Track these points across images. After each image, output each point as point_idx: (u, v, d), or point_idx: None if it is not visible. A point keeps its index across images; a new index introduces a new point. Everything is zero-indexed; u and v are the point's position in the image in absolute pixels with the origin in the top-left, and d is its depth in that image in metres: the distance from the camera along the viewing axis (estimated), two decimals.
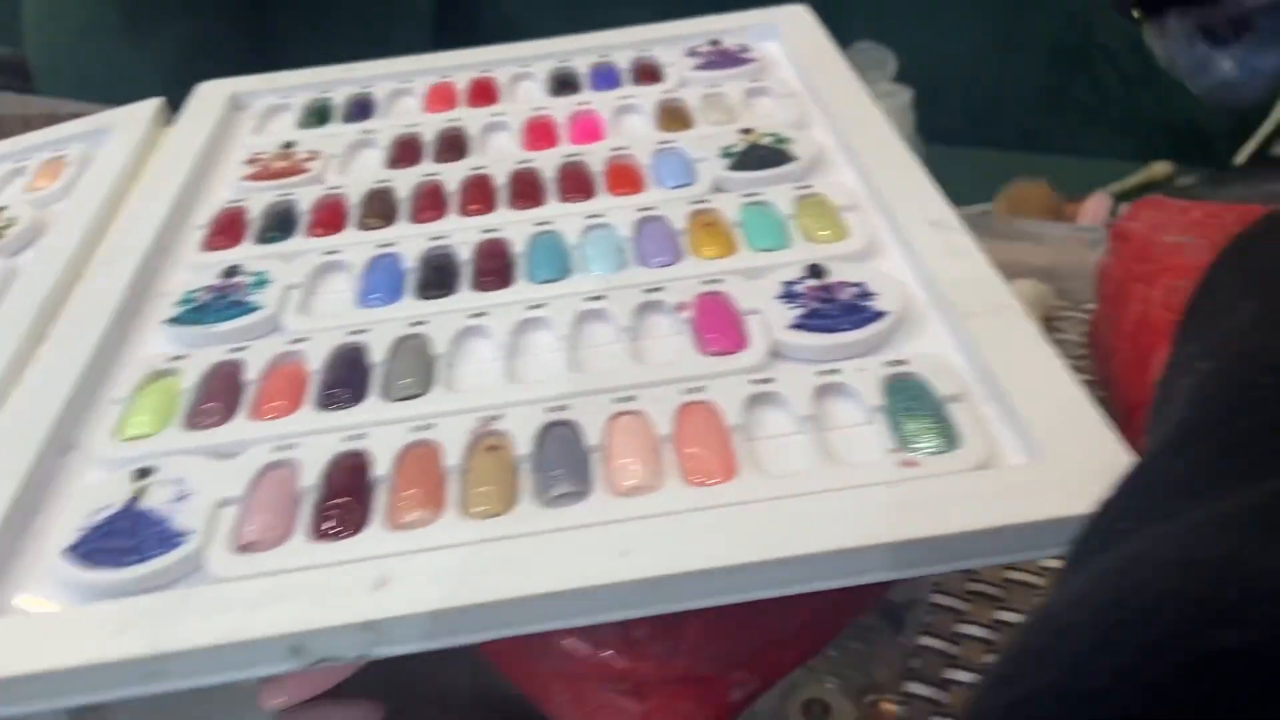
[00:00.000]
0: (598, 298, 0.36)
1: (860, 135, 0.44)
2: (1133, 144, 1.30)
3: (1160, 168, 1.29)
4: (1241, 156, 1.09)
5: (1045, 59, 1.31)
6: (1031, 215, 1.22)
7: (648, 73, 0.52)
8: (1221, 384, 0.21)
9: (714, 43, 0.54)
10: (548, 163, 0.45)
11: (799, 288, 0.36)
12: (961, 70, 1.37)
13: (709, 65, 0.51)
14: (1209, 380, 0.21)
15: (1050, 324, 0.48)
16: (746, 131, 0.45)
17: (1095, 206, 1.23)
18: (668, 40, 0.54)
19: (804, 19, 0.55)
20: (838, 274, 0.36)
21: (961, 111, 1.40)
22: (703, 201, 0.41)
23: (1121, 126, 1.32)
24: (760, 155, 0.44)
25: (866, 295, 0.35)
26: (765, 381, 0.32)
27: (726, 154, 0.44)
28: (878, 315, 0.34)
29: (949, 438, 0.30)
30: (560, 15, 1.58)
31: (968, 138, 1.40)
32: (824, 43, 0.52)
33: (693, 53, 0.53)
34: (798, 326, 0.34)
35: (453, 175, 0.45)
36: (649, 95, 0.49)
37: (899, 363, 0.32)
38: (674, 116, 0.48)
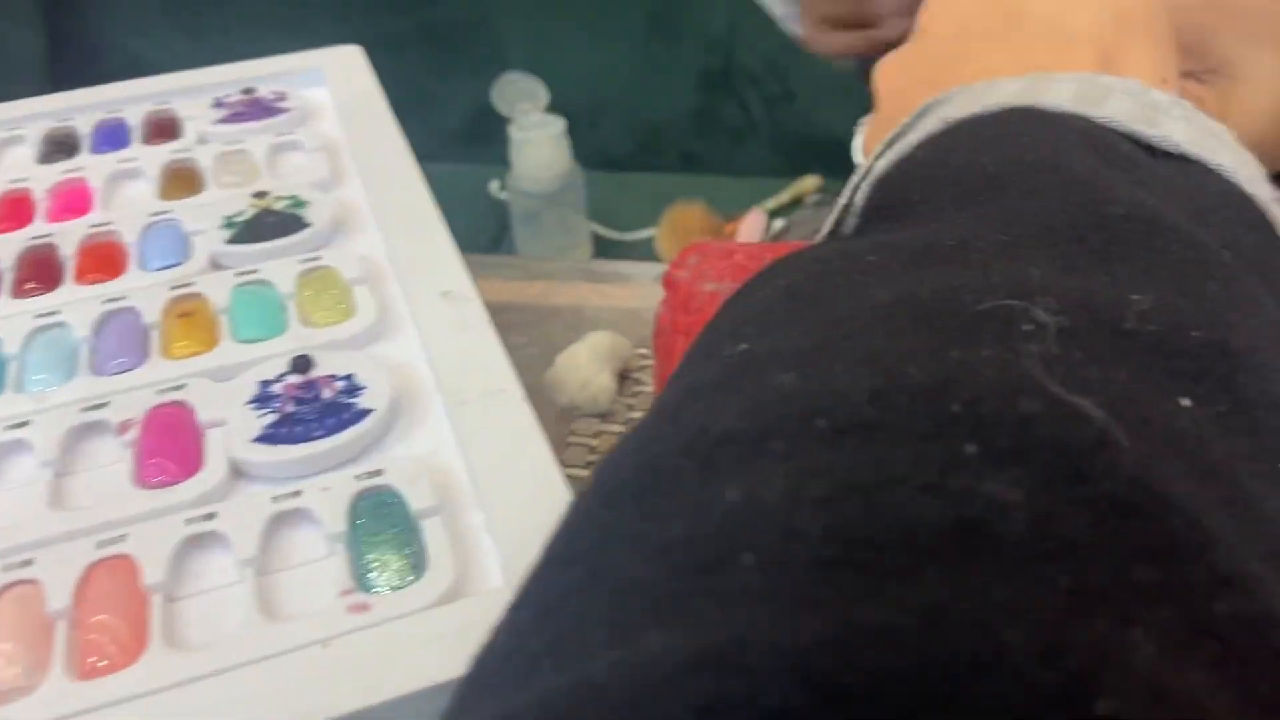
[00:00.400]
0: (21, 424, 0.29)
1: (390, 195, 0.39)
2: (782, 160, 1.35)
3: (809, 181, 1.34)
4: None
5: (695, 83, 1.33)
6: (693, 236, 1.23)
7: (163, 129, 0.45)
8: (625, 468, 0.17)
9: (247, 91, 0.47)
10: (7, 250, 0.37)
11: (277, 387, 0.30)
12: (618, 97, 1.38)
13: (234, 118, 0.45)
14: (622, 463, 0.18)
15: (629, 376, 0.46)
16: (260, 195, 0.39)
17: (752, 223, 1.26)
18: (195, 90, 0.47)
19: (355, 62, 0.50)
20: (327, 365, 0.31)
21: (622, 137, 1.40)
22: (187, 285, 0.35)
23: (771, 144, 1.37)
24: (270, 223, 0.38)
25: (354, 390, 0.30)
26: (208, 518, 0.26)
27: (229, 224, 0.38)
28: (361, 415, 0.29)
29: (415, 565, 0.25)
30: (189, 53, 1.45)
31: (630, 163, 1.41)
32: (372, 89, 0.47)
33: (219, 104, 0.46)
34: (264, 439, 0.28)
35: None
36: (156, 156, 0.42)
37: (373, 474, 0.27)
38: (181, 181, 0.41)
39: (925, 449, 0.14)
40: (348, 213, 0.39)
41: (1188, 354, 0.17)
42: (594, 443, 0.43)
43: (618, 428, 0.44)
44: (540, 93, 1.18)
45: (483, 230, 1.33)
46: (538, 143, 1.15)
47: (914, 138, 0.28)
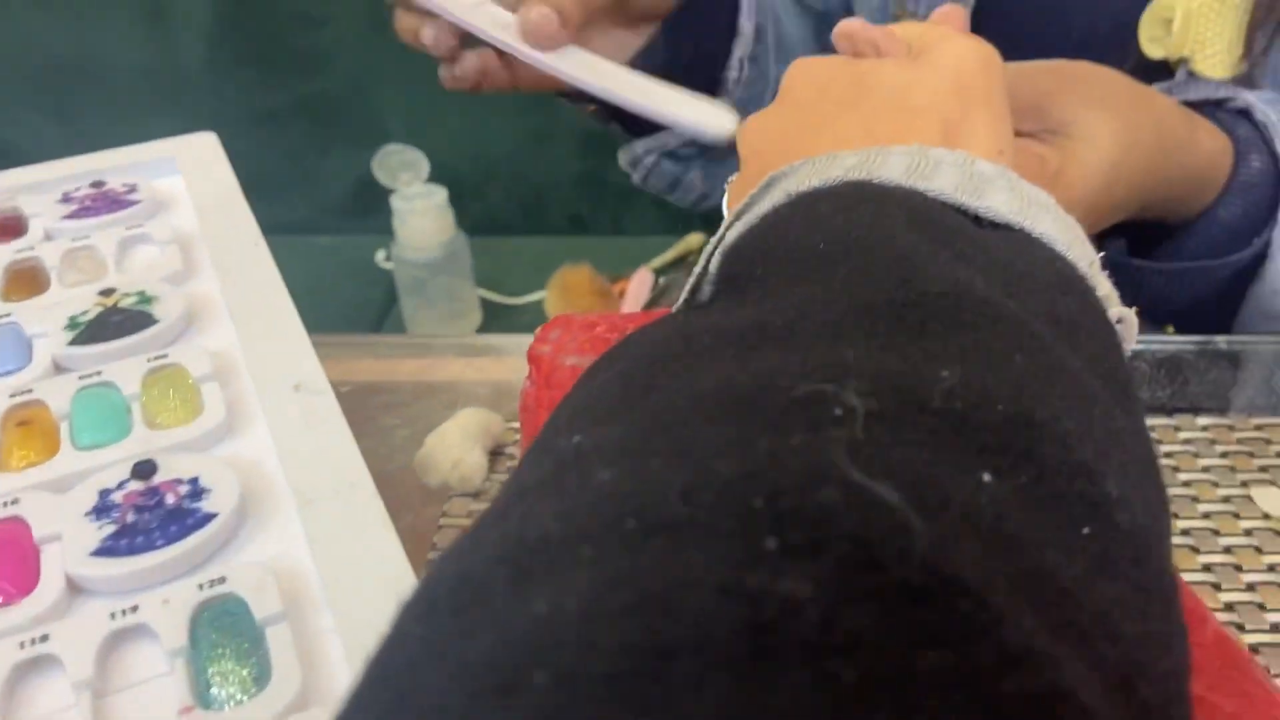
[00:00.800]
0: None
1: (244, 286, 0.39)
2: (667, 220, 1.38)
3: (695, 239, 1.37)
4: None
5: (578, 147, 1.35)
6: (582, 299, 1.24)
7: (7, 227, 0.43)
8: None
9: (96, 184, 0.46)
10: None
11: (117, 496, 0.29)
12: (503, 164, 1.38)
13: (82, 212, 0.44)
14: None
15: (501, 452, 0.46)
16: (106, 293, 0.38)
17: (639, 283, 1.28)
18: (43, 185, 0.46)
19: (209, 150, 0.49)
20: (171, 469, 0.30)
21: (507, 203, 1.41)
22: (26, 392, 0.34)
23: (655, 204, 1.39)
24: (115, 322, 0.37)
25: (198, 493, 0.29)
26: (42, 640, 0.25)
27: (74, 324, 0.37)
28: (205, 520, 0.28)
29: (259, 676, 0.24)
30: (59, 138, 1.41)
31: (517, 228, 1.42)
32: (226, 177, 0.47)
33: (67, 198, 0.45)
34: (102, 551, 0.27)
35: None
36: None
37: (216, 582, 0.27)
38: (24, 281, 0.40)
39: (726, 547, 0.14)
40: (200, 306, 0.39)
41: (992, 428, 0.18)
42: (467, 523, 0.43)
43: None
44: (421, 163, 1.18)
45: (370, 301, 1.32)
46: (420, 212, 1.15)
47: (761, 209, 0.29)
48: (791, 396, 0.18)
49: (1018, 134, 0.43)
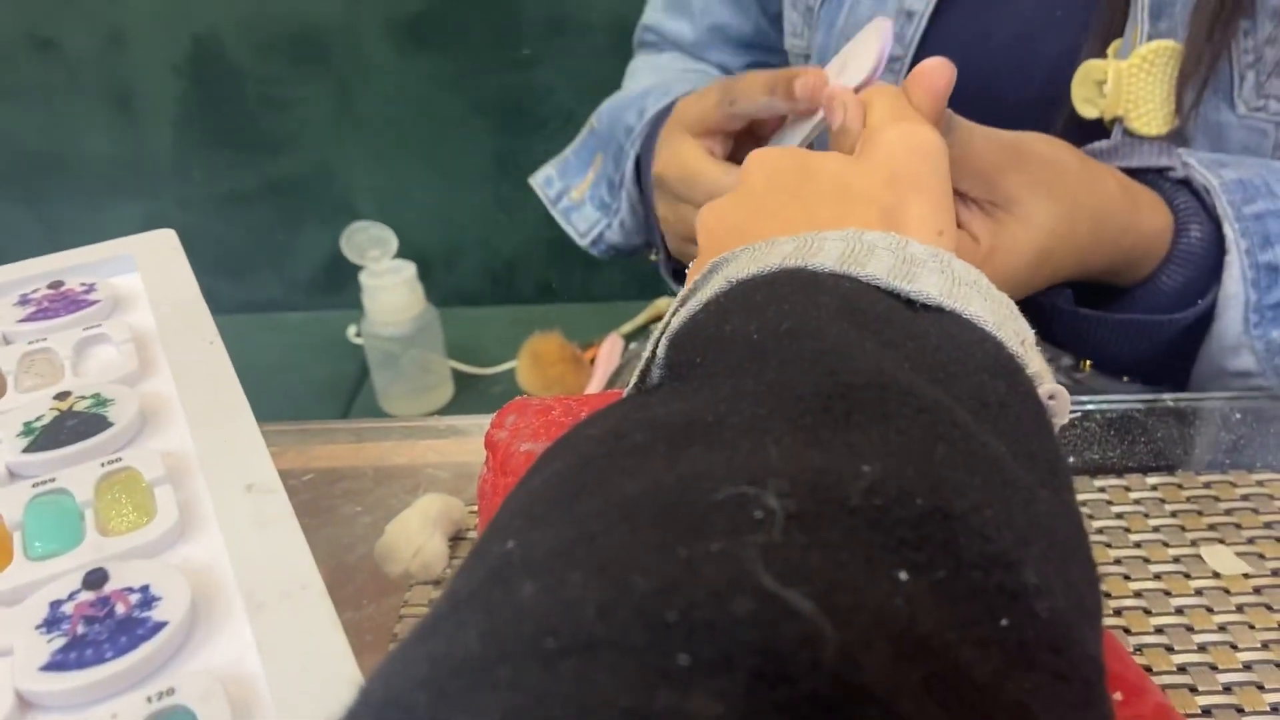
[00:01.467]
0: None
1: (199, 385, 0.39)
2: (635, 285, 1.39)
3: (663, 303, 1.38)
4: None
5: (545, 217, 1.37)
6: (553, 367, 1.25)
7: None
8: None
9: (55, 285, 0.47)
10: None
11: (68, 607, 0.29)
12: (471, 236, 1.40)
13: (40, 314, 0.44)
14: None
15: (463, 537, 0.46)
16: (62, 397, 0.39)
17: (609, 349, 1.29)
18: (1, 288, 0.47)
19: (167, 247, 0.50)
20: (122, 577, 0.30)
21: (477, 274, 1.42)
22: None
23: (623, 270, 1.41)
24: (70, 427, 0.37)
25: (149, 601, 0.29)
26: None
27: (29, 430, 0.37)
28: (155, 629, 0.28)
29: None
30: (27, 224, 1.42)
31: (487, 298, 1.43)
32: (184, 274, 0.47)
33: (25, 300, 0.46)
34: (52, 665, 0.27)
35: None
36: None
37: (165, 694, 0.27)
38: None
39: (638, 666, 0.14)
40: (155, 406, 0.39)
41: (910, 523, 0.18)
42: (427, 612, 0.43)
43: None
44: (389, 239, 1.20)
45: (343, 376, 1.32)
46: (389, 288, 1.16)
47: (703, 296, 0.30)
48: (712, 500, 0.18)
49: (967, 197, 0.44)
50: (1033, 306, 0.48)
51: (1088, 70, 0.55)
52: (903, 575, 0.17)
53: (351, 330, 1.36)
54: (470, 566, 0.20)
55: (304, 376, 1.26)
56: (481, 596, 0.18)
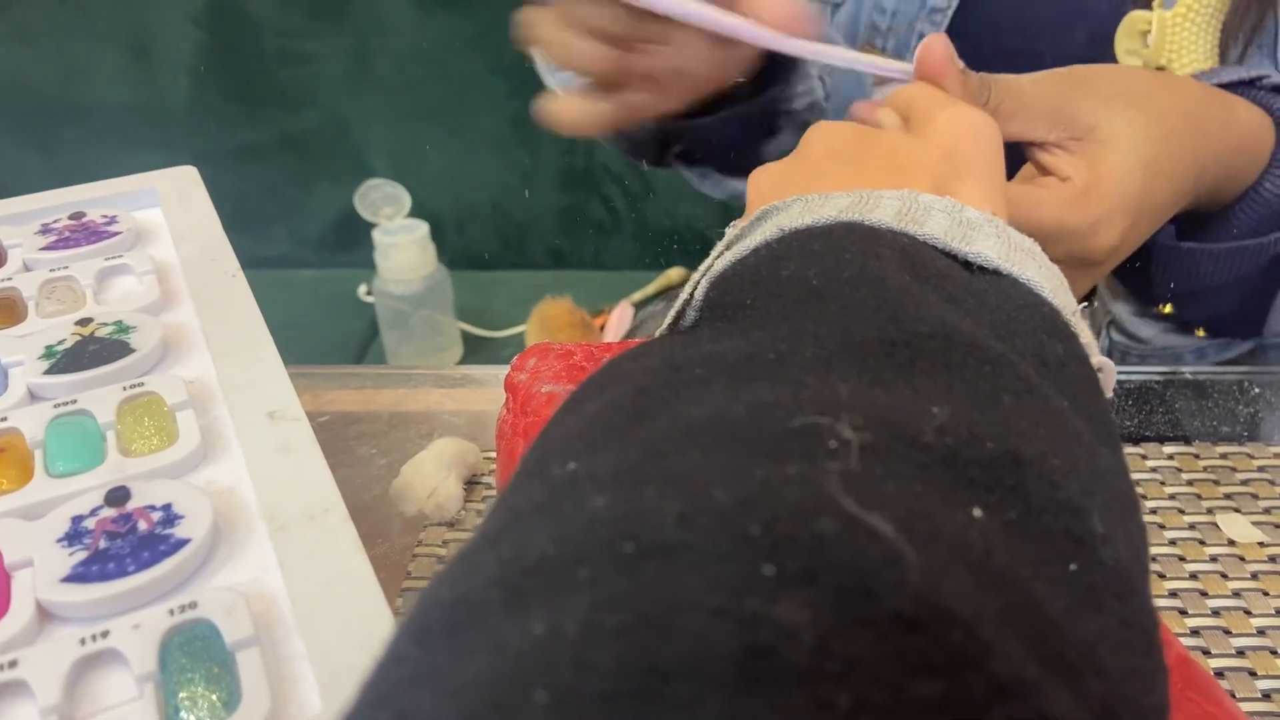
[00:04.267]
0: None
1: (222, 316, 0.39)
2: (647, 254, 1.39)
3: (675, 273, 1.38)
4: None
5: (558, 183, 1.37)
6: (562, 332, 1.25)
7: None
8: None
9: (76, 216, 0.47)
10: None
11: (89, 522, 0.29)
12: (485, 199, 1.40)
13: (61, 244, 0.44)
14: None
15: (478, 481, 0.46)
16: (84, 323, 0.39)
17: (619, 316, 1.28)
18: (21, 216, 0.47)
19: (189, 182, 0.49)
20: (144, 496, 0.30)
21: (489, 238, 1.42)
22: (1, 420, 0.34)
23: (635, 238, 1.40)
24: (92, 352, 0.37)
25: (171, 520, 0.29)
26: (11, 666, 0.25)
27: (50, 354, 0.37)
28: (177, 546, 0.28)
29: (229, 700, 0.24)
30: (40, 170, 1.42)
31: (498, 262, 1.43)
32: (205, 209, 0.47)
33: (46, 229, 0.45)
34: (73, 578, 0.28)
35: None
36: None
37: (187, 607, 0.27)
38: (2, 311, 0.40)
39: (723, 571, 0.14)
40: (177, 335, 0.39)
41: (981, 464, 0.18)
42: (442, 551, 0.43)
43: (466, 535, 0.44)
44: (403, 197, 1.19)
45: (352, 334, 1.32)
46: (402, 246, 1.16)
47: (751, 241, 0.30)
48: (786, 428, 0.18)
49: (1039, 145, 0.43)
50: None
51: (1132, 21, 0.54)
52: (976, 512, 0.17)
53: (362, 289, 1.36)
54: (524, 486, 0.20)
55: (314, 334, 1.26)
56: (548, 508, 0.17)
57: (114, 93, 1.34)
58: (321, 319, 1.30)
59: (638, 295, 1.30)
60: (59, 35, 1.32)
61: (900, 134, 0.35)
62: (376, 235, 1.17)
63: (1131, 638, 0.18)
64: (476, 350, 1.27)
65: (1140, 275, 0.52)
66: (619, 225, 1.38)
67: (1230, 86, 0.48)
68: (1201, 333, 0.57)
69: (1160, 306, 0.58)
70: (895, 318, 0.22)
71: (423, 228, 1.18)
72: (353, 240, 1.37)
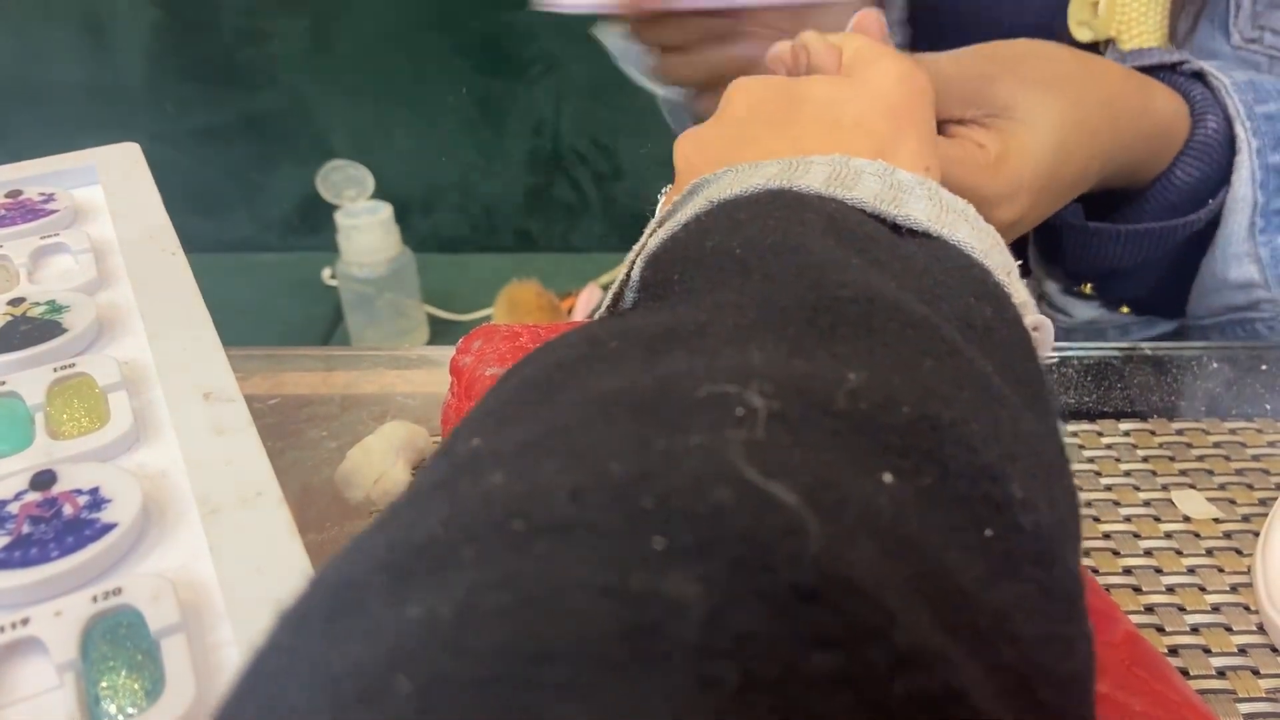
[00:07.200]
0: None
1: (159, 296, 0.38)
2: (615, 236, 1.38)
3: None
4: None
5: (525, 165, 1.35)
6: (530, 314, 1.24)
7: None
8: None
9: (13, 194, 0.45)
10: None
11: (13, 507, 0.28)
12: (451, 181, 1.38)
13: None
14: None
15: (424, 464, 0.45)
16: (16, 303, 0.37)
17: (586, 298, 1.28)
18: None
19: (130, 159, 0.48)
20: (71, 479, 0.29)
21: (456, 220, 1.41)
22: None
23: (603, 220, 1.39)
24: (23, 332, 0.36)
25: (99, 504, 0.29)
26: None
27: None
28: (103, 531, 0.28)
29: (151, 689, 0.24)
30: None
31: (465, 245, 1.41)
32: (146, 187, 0.46)
33: None
34: None
35: None
36: None
37: (111, 593, 0.26)
38: None
39: (613, 548, 0.14)
40: (113, 315, 0.38)
41: (896, 429, 0.18)
42: None
43: None
44: (366, 179, 1.18)
45: (317, 318, 1.31)
46: (365, 228, 1.14)
47: (682, 216, 0.29)
48: (693, 398, 0.17)
49: (959, 121, 0.43)
50: (1041, 226, 0.46)
51: None
52: (888, 478, 0.17)
53: (326, 272, 1.34)
54: (433, 465, 0.19)
55: (277, 318, 1.24)
56: (446, 487, 0.17)
57: (70, 73, 1.32)
58: (285, 303, 1.28)
59: (605, 278, 1.30)
60: (12, 13, 1.29)
61: (832, 83, 0.34)
62: (339, 218, 1.16)
63: (1050, 605, 0.17)
64: (443, 334, 1.26)
65: (1057, 253, 0.53)
66: (587, 207, 1.37)
67: (1153, 70, 0.49)
68: (1125, 309, 0.58)
69: (1081, 285, 0.58)
70: (817, 284, 0.22)
71: (386, 209, 1.16)
72: (316, 223, 1.35)
